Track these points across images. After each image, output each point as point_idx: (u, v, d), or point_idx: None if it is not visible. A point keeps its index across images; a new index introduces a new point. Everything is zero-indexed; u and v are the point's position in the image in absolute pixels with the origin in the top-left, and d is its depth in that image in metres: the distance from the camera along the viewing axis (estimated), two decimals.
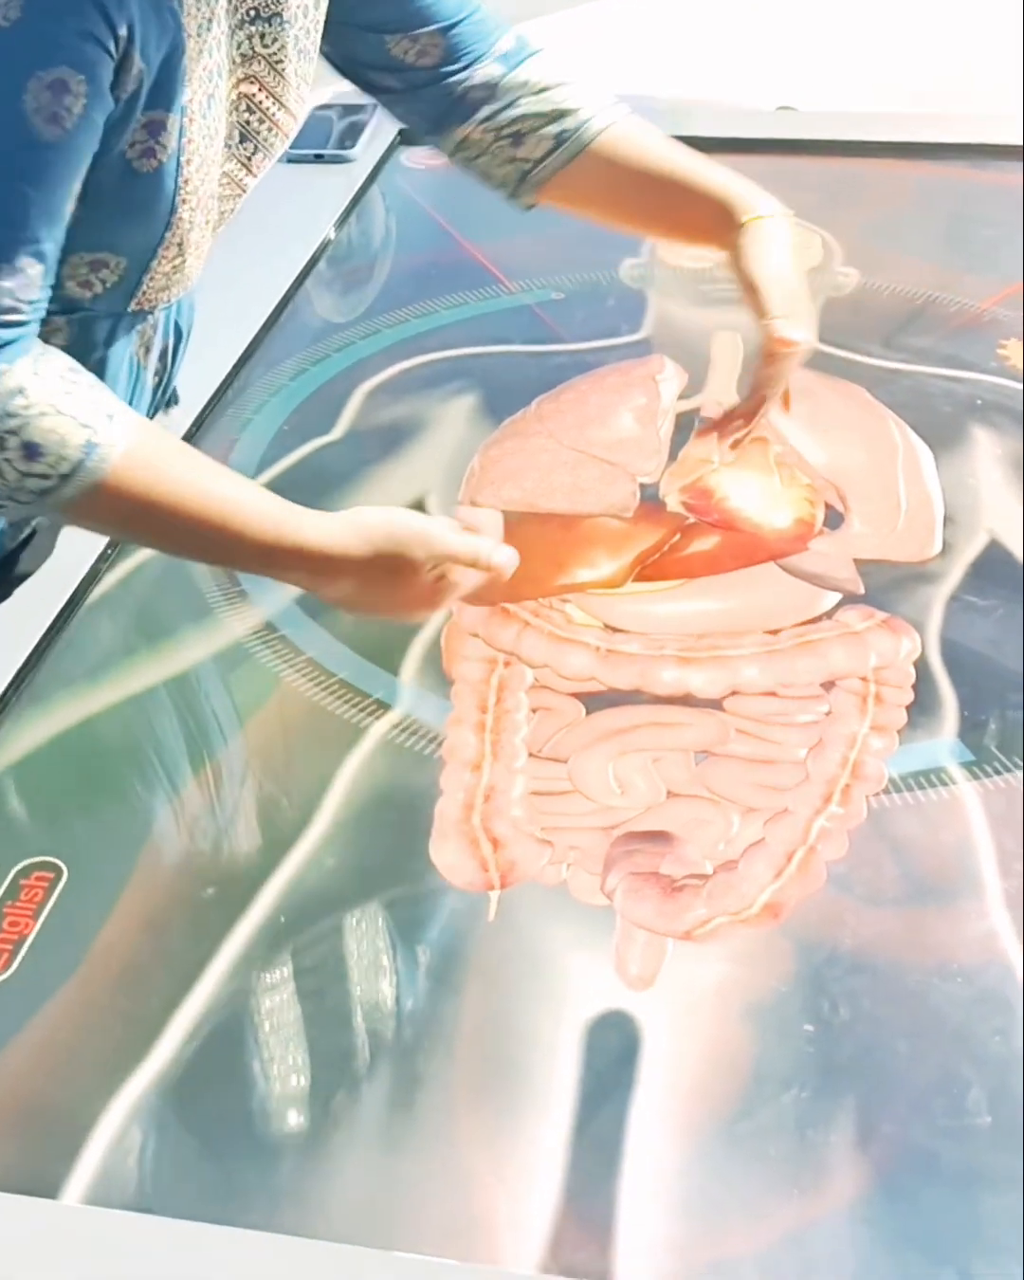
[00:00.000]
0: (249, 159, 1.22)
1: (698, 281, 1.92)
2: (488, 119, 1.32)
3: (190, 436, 1.61)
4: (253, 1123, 1.00)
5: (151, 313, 1.24)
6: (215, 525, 1.06)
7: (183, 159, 1.08)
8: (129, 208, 1.05)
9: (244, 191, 1.25)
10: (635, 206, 1.37)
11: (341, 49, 1.31)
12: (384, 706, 1.30)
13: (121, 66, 0.97)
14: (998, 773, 1.20)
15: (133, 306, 1.19)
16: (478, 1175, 0.97)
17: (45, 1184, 0.95)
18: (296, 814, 1.21)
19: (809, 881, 1.12)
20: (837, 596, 1.38)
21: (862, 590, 1.39)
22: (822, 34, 2.96)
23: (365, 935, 1.11)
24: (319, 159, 2.20)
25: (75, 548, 1.42)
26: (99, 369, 1.21)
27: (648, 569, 1.43)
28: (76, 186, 1.00)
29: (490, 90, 1.31)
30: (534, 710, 1.28)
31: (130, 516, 1.05)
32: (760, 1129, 0.97)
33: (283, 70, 1.18)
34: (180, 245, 1.15)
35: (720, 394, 1.68)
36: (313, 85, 1.25)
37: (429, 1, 1.27)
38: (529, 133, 1.32)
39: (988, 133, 2.26)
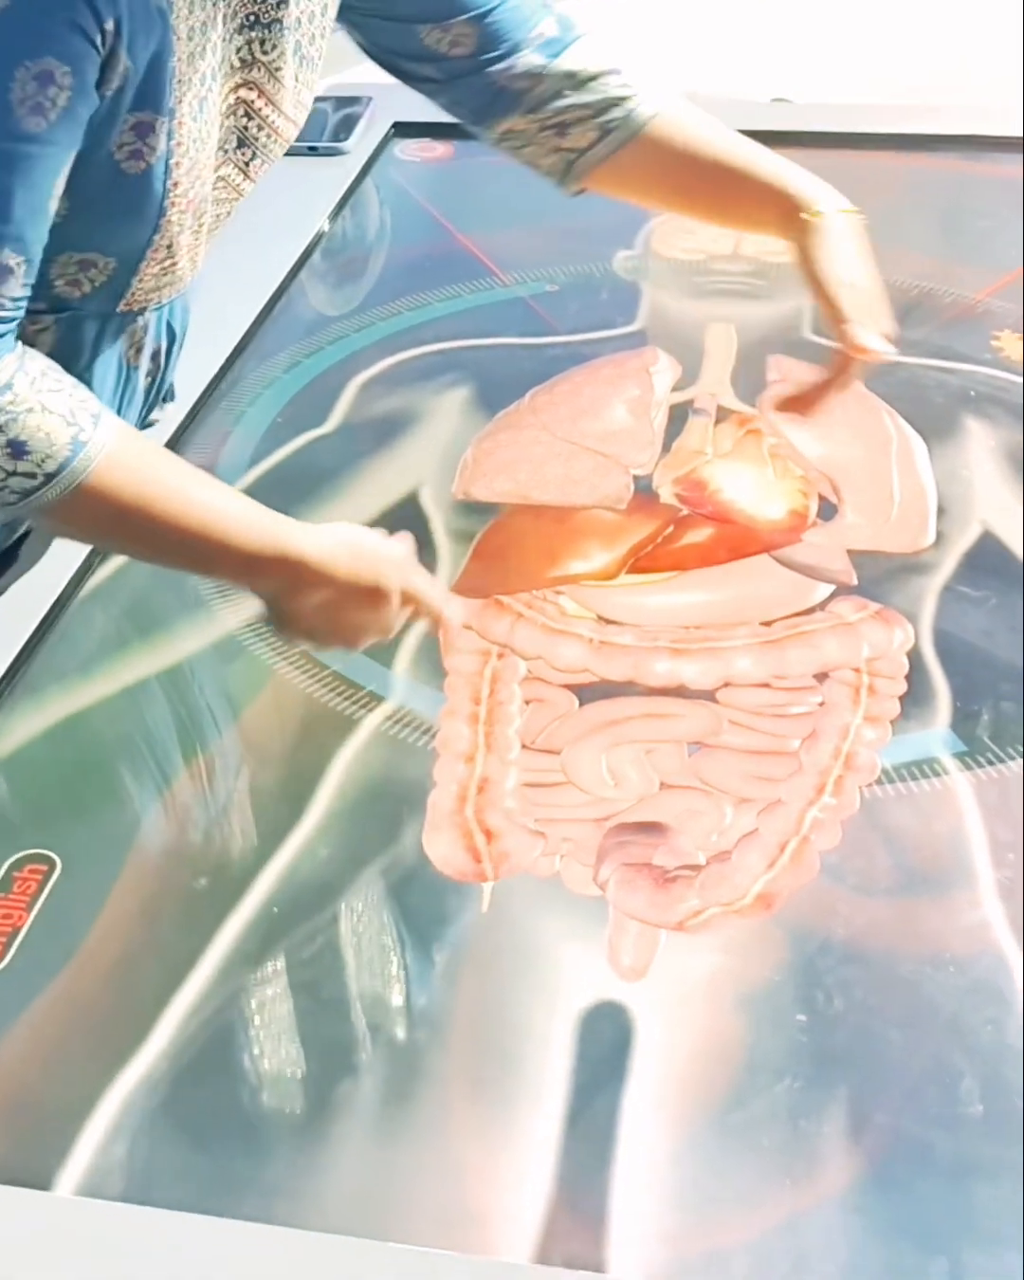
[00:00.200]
0: (246, 164, 1.21)
1: (692, 273, 1.92)
2: (532, 110, 1.30)
3: (183, 430, 1.61)
4: (246, 1114, 1.00)
5: (142, 314, 1.23)
6: (198, 530, 1.06)
7: (172, 162, 1.08)
8: (117, 209, 1.05)
9: (241, 195, 1.25)
10: (689, 194, 1.36)
11: (374, 40, 1.31)
12: (377, 698, 1.30)
13: (107, 63, 0.96)
14: (991, 763, 1.21)
15: (122, 307, 1.19)
16: (472, 1166, 0.97)
17: (38, 1176, 0.95)
18: (290, 806, 1.20)
19: (802, 872, 1.12)
20: (830, 588, 1.38)
21: (855, 581, 1.39)
22: (816, 26, 2.96)
23: (358, 927, 1.11)
24: (313, 151, 2.20)
25: (68, 541, 1.42)
26: (87, 369, 1.21)
27: (641, 561, 1.43)
28: (60, 182, 0.99)
29: (534, 80, 1.29)
30: (527, 702, 1.28)
31: (112, 520, 1.05)
32: (753, 1119, 0.97)
33: (281, 77, 1.17)
34: (170, 248, 1.15)
35: (714, 385, 1.68)
36: (315, 90, 1.25)
37: None
38: (574, 123, 1.31)
39: (982, 124, 2.26)
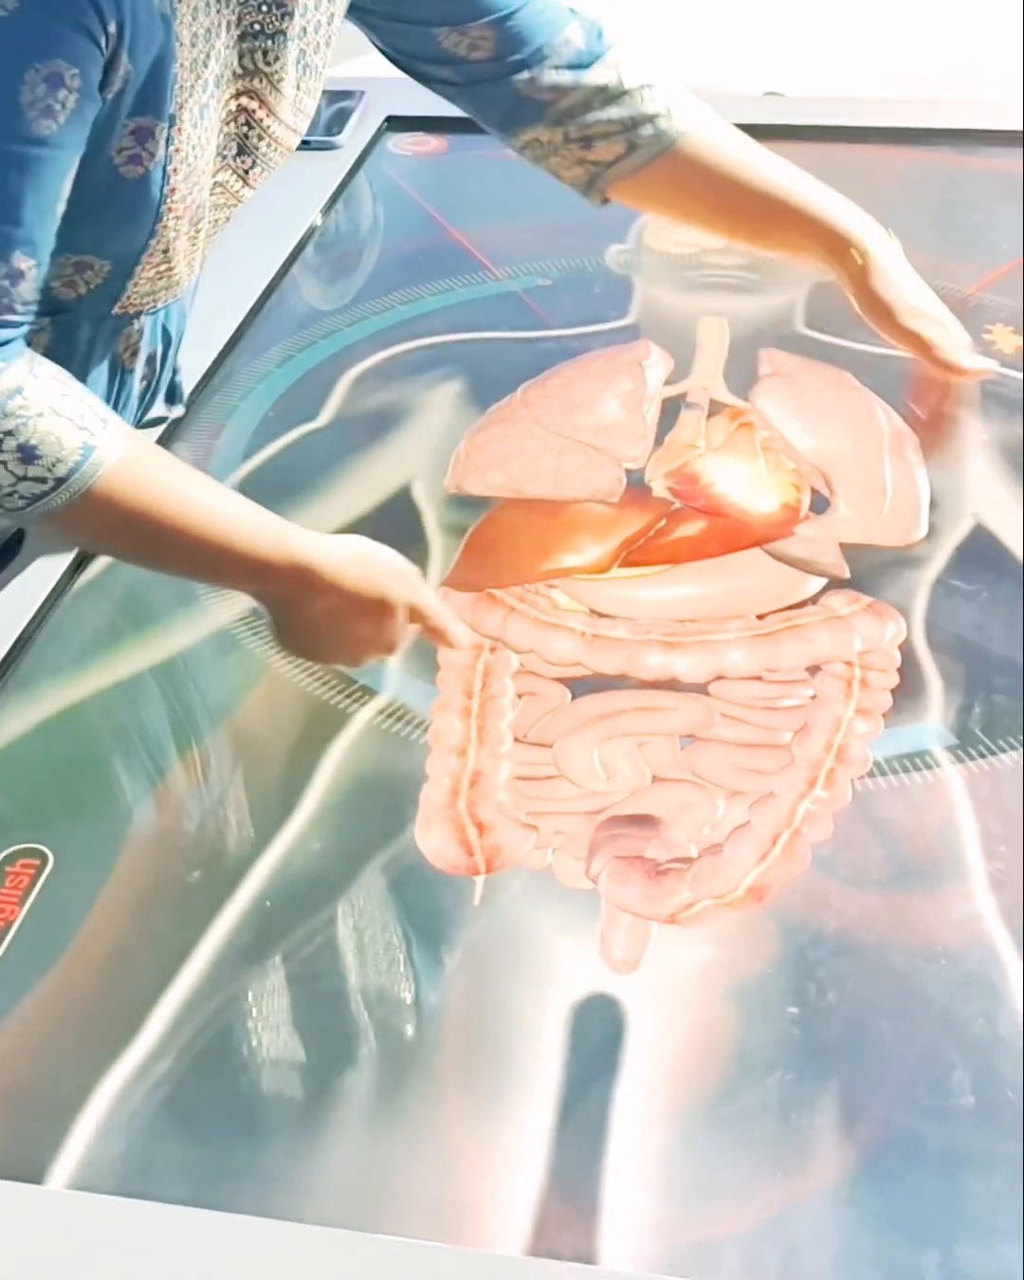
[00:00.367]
0: (246, 172, 1.21)
1: (684, 267, 1.92)
2: (558, 121, 1.29)
3: (176, 424, 1.61)
4: (239, 1108, 1.00)
5: (137, 318, 1.23)
6: (206, 536, 1.06)
7: (170, 168, 1.08)
8: (114, 212, 1.05)
9: (239, 202, 1.24)
10: (720, 214, 1.35)
11: (391, 43, 1.29)
12: (370, 692, 1.29)
13: (109, 65, 0.96)
14: (983, 756, 1.21)
15: (117, 309, 1.19)
16: (464, 1158, 0.97)
17: (31, 1169, 0.95)
18: (282, 799, 1.21)
19: (794, 864, 1.12)
20: (822, 581, 1.38)
21: (847, 575, 1.39)
22: (809, 19, 2.96)
23: (351, 920, 1.11)
24: (305, 145, 2.17)
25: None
26: (81, 372, 1.21)
27: (634, 554, 1.43)
28: (68, 185, 0.99)
29: (560, 92, 1.28)
30: (520, 695, 1.28)
31: (120, 526, 1.05)
32: (745, 1111, 0.97)
33: (282, 87, 1.17)
34: (165, 252, 1.15)
35: (706, 379, 1.68)
36: (318, 97, 1.25)
37: None
38: (602, 137, 1.29)
39: (976, 118, 2.25)
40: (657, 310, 1.85)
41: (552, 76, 1.27)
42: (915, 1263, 0.89)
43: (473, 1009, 1.06)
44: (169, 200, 1.10)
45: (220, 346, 1.76)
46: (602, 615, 1.35)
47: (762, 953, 1.08)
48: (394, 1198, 0.94)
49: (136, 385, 1.35)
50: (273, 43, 1.13)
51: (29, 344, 1.04)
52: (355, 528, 1.36)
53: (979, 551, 1.42)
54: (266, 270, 1.92)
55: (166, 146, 1.06)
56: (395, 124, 2.31)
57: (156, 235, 1.12)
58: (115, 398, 1.32)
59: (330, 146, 2.21)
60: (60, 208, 0.99)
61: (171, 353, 1.39)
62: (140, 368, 1.32)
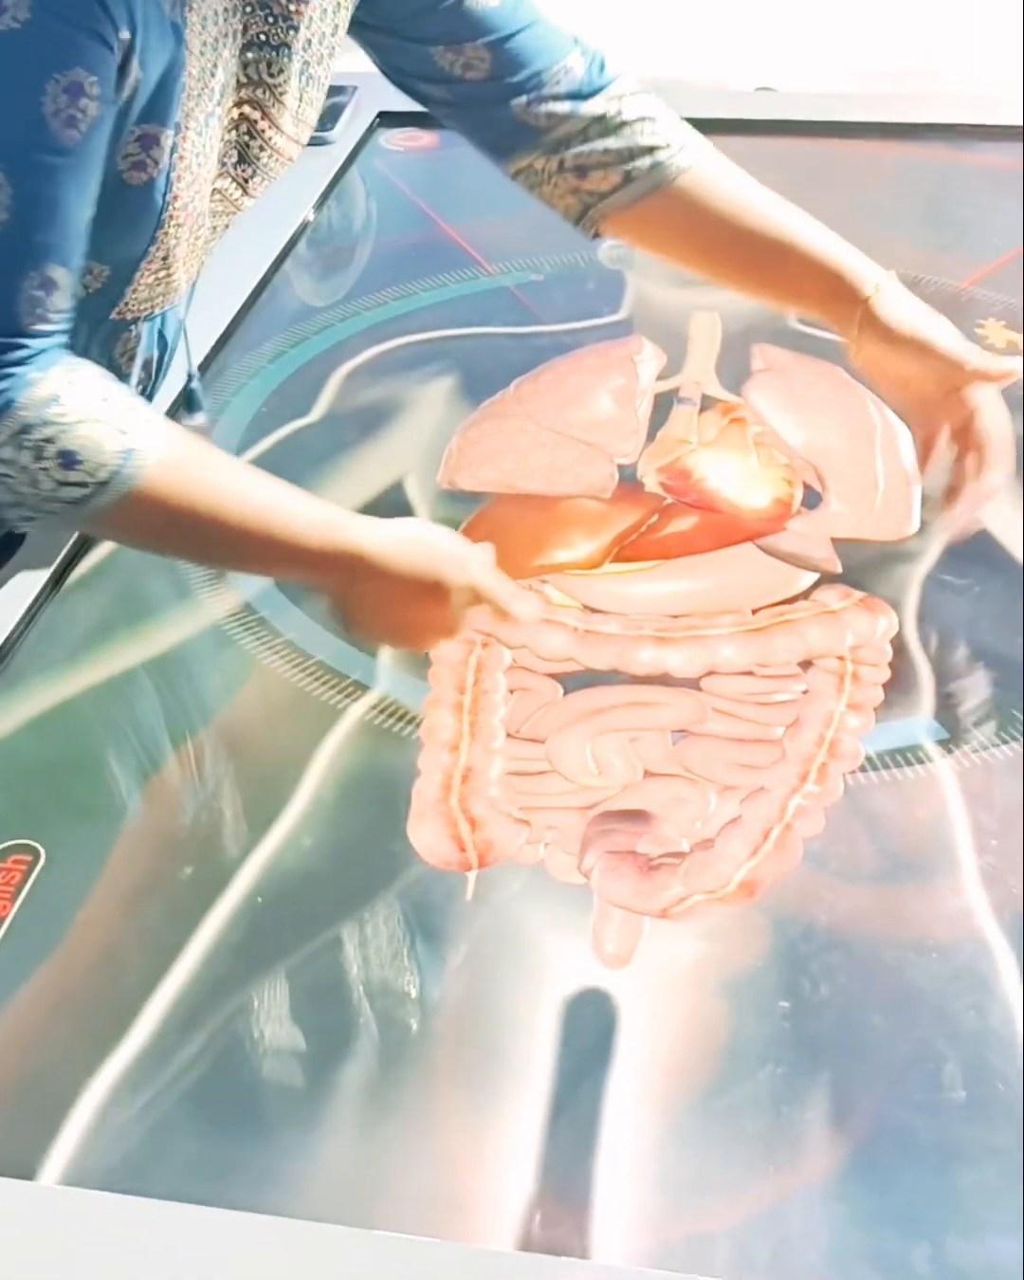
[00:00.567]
0: (246, 181, 1.21)
1: None
2: (553, 149, 1.27)
3: (172, 420, 1.60)
4: (231, 1103, 1.00)
5: (135, 323, 1.23)
6: (255, 530, 1.06)
7: (173, 176, 1.08)
8: (116, 219, 1.04)
9: (238, 210, 1.24)
10: (719, 255, 1.32)
11: (388, 59, 1.28)
12: (362, 688, 1.30)
13: (120, 71, 0.96)
14: (974, 750, 1.21)
15: (115, 314, 1.19)
16: (456, 1154, 0.97)
17: (23, 1165, 0.95)
18: (275, 795, 1.21)
19: (786, 859, 1.13)
20: (814, 576, 1.39)
21: (839, 569, 1.39)
22: (801, 14, 2.96)
23: (343, 915, 1.11)
24: None
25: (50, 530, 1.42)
26: None
27: (626, 549, 1.43)
28: (95, 191, 0.99)
29: (556, 120, 1.26)
30: (512, 691, 1.28)
31: (166, 524, 1.05)
32: (736, 1105, 0.97)
33: (285, 99, 1.16)
34: (165, 259, 1.15)
35: (699, 374, 1.68)
36: (318, 110, 1.24)
37: (479, 15, 1.22)
38: (596, 166, 1.27)
39: (967, 113, 2.26)
40: (649, 305, 1.85)
41: (548, 104, 1.25)
42: (907, 1256, 0.90)
43: (465, 1004, 1.06)
44: (171, 208, 1.10)
45: (212, 342, 1.75)
46: (594, 610, 1.35)
47: (753, 947, 1.08)
48: (386, 1193, 0.94)
49: (133, 390, 1.35)
50: (277, 54, 1.13)
51: None
52: None
53: (971, 546, 1.42)
54: (259, 266, 1.92)
55: (171, 154, 1.06)
56: (387, 119, 2.31)
57: (157, 242, 1.12)
58: None
59: (322, 141, 2.20)
60: (88, 214, 0.99)
61: (168, 358, 1.39)
62: (136, 372, 1.32)
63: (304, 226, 2.05)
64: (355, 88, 2.30)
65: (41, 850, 1.15)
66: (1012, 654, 1.30)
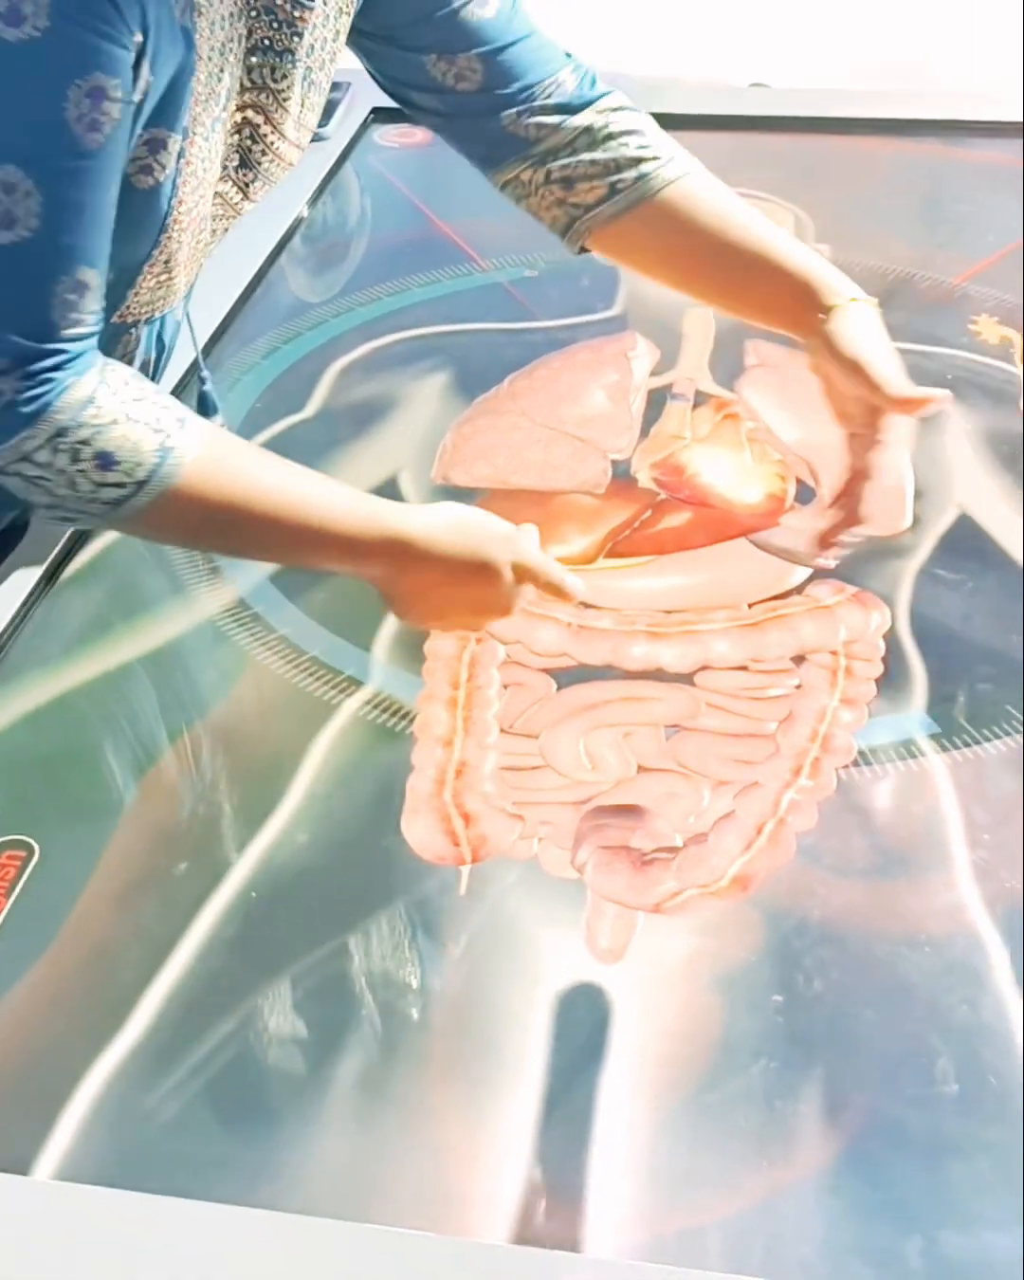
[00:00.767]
0: (248, 185, 1.21)
1: None
2: (540, 161, 1.27)
3: None
4: (225, 1098, 1.00)
5: (134, 326, 1.23)
6: (297, 522, 1.06)
7: (179, 180, 1.08)
8: (121, 222, 1.04)
9: (238, 214, 1.24)
10: (699, 271, 1.31)
11: (381, 68, 1.28)
12: (356, 683, 1.30)
13: (133, 73, 0.96)
14: (966, 745, 1.21)
15: (115, 318, 1.18)
16: (450, 1148, 0.97)
17: (16, 1160, 0.95)
18: (269, 790, 1.21)
19: (779, 853, 1.13)
20: (807, 571, 1.39)
21: (832, 565, 1.38)
22: (794, 10, 2.96)
23: (337, 910, 1.12)
24: None
25: (47, 525, 1.42)
26: None
27: (619, 545, 1.43)
28: (116, 192, 0.99)
29: (545, 131, 1.26)
30: (506, 686, 1.29)
31: (206, 520, 1.05)
32: (730, 1100, 0.98)
33: (287, 104, 1.16)
34: (167, 263, 1.15)
35: (692, 370, 1.68)
36: (318, 114, 1.24)
37: (474, 26, 1.22)
38: (581, 179, 1.27)
39: (960, 109, 2.26)
40: (642, 301, 1.85)
41: (538, 116, 1.25)
42: (900, 1249, 0.90)
43: (459, 999, 1.06)
44: (176, 212, 1.10)
45: (207, 338, 1.75)
46: (587, 606, 1.35)
47: (747, 942, 1.08)
48: (381, 1187, 0.94)
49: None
50: (281, 59, 1.13)
51: None
52: None
53: (964, 541, 1.43)
54: (254, 261, 1.92)
55: (178, 159, 1.06)
56: (381, 115, 2.31)
57: (160, 246, 1.12)
58: None
59: (317, 137, 2.20)
60: (112, 216, 1.00)
61: (165, 360, 1.39)
62: None
63: (298, 222, 2.05)
64: (349, 84, 2.30)
65: (35, 845, 1.15)
66: (1005, 649, 1.31)
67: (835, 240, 1.92)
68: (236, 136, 1.16)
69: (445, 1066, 1.02)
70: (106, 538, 1.46)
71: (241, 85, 1.12)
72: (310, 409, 1.68)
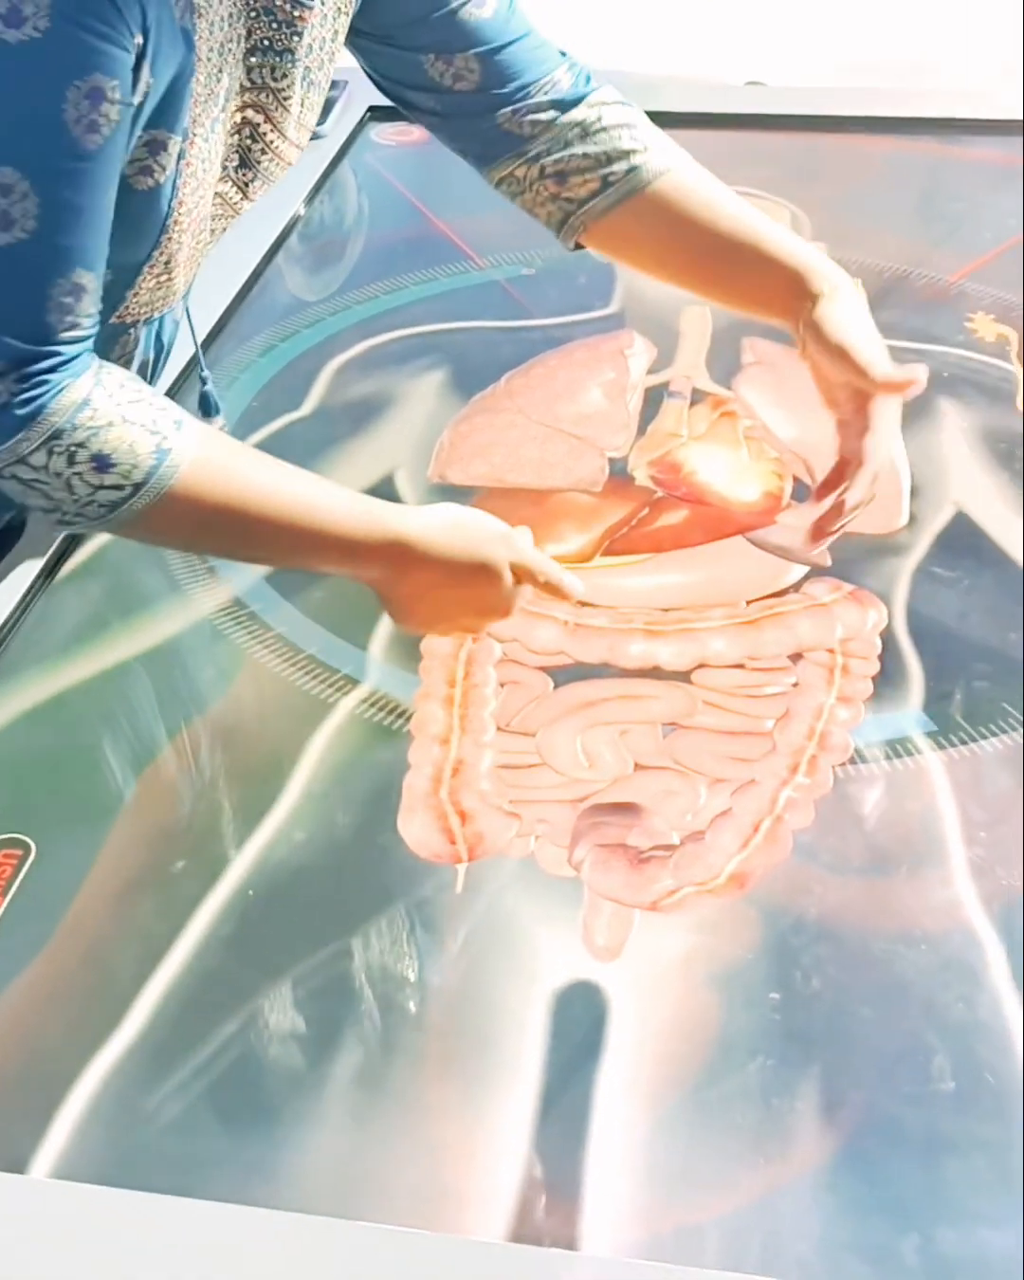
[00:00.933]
0: (247, 185, 1.21)
1: None
2: (534, 157, 1.27)
3: None
4: (222, 1096, 1.00)
5: (133, 327, 1.23)
6: (295, 524, 1.05)
7: (179, 181, 1.07)
8: (121, 223, 1.04)
9: (238, 213, 1.24)
10: (690, 262, 1.31)
11: (379, 68, 1.29)
12: (353, 681, 1.30)
13: (133, 75, 0.96)
14: (963, 742, 1.21)
15: (115, 318, 1.18)
16: (447, 1145, 0.97)
17: (13, 1159, 0.95)
18: (266, 788, 1.21)
19: (775, 851, 1.13)
20: (804, 569, 1.39)
21: (829, 563, 1.39)
22: (790, 8, 2.96)
23: (334, 908, 1.12)
24: None
25: (43, 524, 1.42)
26: None
27: (616, 543, 1.43)
28: (114, 194, 0.99)
29: (539, 128, 1.26)
30: (502, 684, 1.29)
31: (204, 522, 1.05)
32: (726, 1097, 0.98)
33: (287, 103, 1.16)
34: (167, 263, 1.15)
35: (689, 368, 1.68)
36: (317, 113, 1.25)
37: (472, 26, 1.22)
38: (574, 173, 1.27)
39: (956, 107, 2.26)
40: (639, 299, 1.85)
41: (533, 114, 1.26)
42: (896, 1246, 0.90)
43: (455, 997, 1.06)
44: (176, 213, 1.10)
45: (203, 336, 1.75)
46: (584, 604, 1.35)
47: (743, 939, 1.08)
48: (377, 1185, 0.94)
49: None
50: (280, 59, 1.13)
51: None
52: None
53: (960, 539, 1.43)
54: (250, 260, 1.93)
55: (178, 161, 1.06)
56: (378, 113, 2.32)
57: (160, 247, 1.12)
58: None
59: (313, 136, 2.20)
60: (109, 218, 0.99)
61: (163, 360, 1.39)
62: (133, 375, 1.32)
63: (295, 220, 2.05)
64: (346, 82, 2.30)
65: (32, 844, 1.15)
66: (1001, 647, 1.31)
67: (832, 238, 1.92)
68: (236, 137, 1.16)
69: (442, 1064, 1.02)
70: (103, 537, 1.46)
71: (241, 85, 1.12)
72: (307, 407, 1.68)
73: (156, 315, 1.24)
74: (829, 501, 1.21)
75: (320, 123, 2.18)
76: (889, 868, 1.14)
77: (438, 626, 1.22)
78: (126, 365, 1.28)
